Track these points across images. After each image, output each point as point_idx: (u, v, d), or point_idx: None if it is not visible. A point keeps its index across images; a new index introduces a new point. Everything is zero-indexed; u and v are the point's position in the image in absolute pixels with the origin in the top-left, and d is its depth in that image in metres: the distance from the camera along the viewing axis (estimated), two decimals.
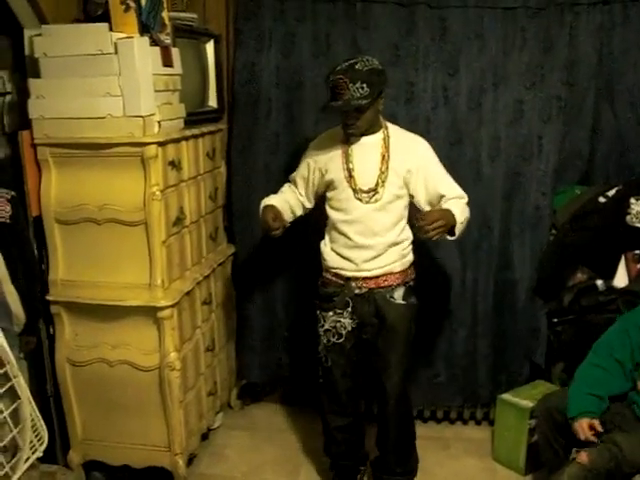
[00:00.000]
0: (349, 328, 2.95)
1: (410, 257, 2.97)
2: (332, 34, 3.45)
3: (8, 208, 2.53)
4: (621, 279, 3.21)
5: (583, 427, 2.57)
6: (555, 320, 3.40)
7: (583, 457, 2.47)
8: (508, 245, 3.55)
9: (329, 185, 2.91)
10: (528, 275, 3.56)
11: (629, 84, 3.41)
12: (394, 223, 2.86)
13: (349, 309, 2.93)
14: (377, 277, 2.87)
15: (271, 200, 2.97)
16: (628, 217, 3.15)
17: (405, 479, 3.19)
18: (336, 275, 2.94)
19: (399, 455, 3.12)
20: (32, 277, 2.78)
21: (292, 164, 3.54)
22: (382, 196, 2.80)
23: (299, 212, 3.07)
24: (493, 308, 3.62)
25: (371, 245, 2.84)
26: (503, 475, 3.39)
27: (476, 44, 3.37)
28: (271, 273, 3.76)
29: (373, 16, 3.39)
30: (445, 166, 3.38)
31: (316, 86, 3.46)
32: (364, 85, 2.60)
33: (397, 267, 2.90)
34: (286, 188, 3.10)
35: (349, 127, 2.74)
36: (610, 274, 3.23)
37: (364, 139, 2.81)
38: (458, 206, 2.79)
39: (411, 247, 2.97)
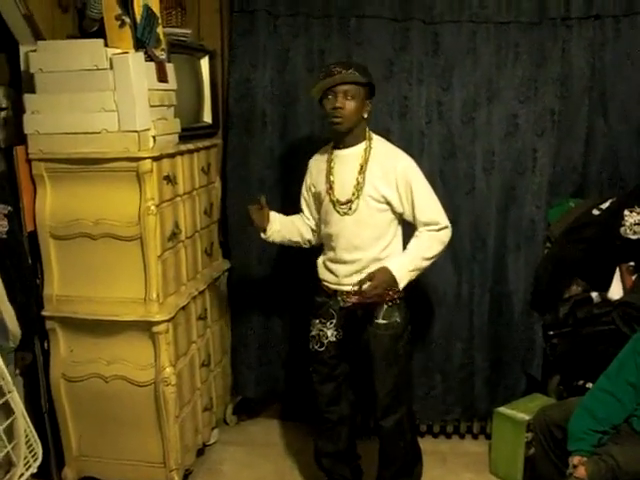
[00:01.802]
0: (332, 339, 2.96)
1: None
2: (326, 50, 3.47)
3: (5, 223, 2.53)
4: (616, 291, 3.21)
5: (575, 463, 2.55)
6: (551, 333, 3.40)
7: (581, 471, 2.46)
8: (503, 258, 3.56)
9: (318, 198, 2.94)
10: (523, 288, 3.56)
11: (622, 97, 3.43)
12: (376, 238, 2.82)
13: (334, 321, 2.94)
14: (360, 293, 2.81)
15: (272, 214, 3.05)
16: (622, 229, 3.15)
17: None
18: (324, 286, 2.95)
19: (392, 470, 3.05)
20: (28, 293, 2.78)
21: (287, 179, 3.57)
22: (358, 207, 2.77)
23: (307, 235, 3.11)
24: (489, 321, 3.62)
25: (353, 260, 2.83)
26: None
27: (469, 59, 3.39)
28: (266, 288, 3.75)
29: (367, 31, 3.41)
30: (439, 180, 3.41)
31: (310, 101, 3.46)
32: (356, 73, 2.68)
33: None
34: (294, 215, 3.15)
35: (335, 114, 2.70)
36: (605, 286, 3.23)
37: (346, 151, 2.82)
38: (415, 248, 2.79)
39: None
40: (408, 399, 3.04)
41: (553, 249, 3.47)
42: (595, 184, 3.55)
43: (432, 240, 2.79)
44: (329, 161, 2.88)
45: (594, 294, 3.27)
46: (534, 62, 3.37)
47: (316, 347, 3.00)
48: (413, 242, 2.81)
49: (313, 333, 3.01)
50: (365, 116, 2.77)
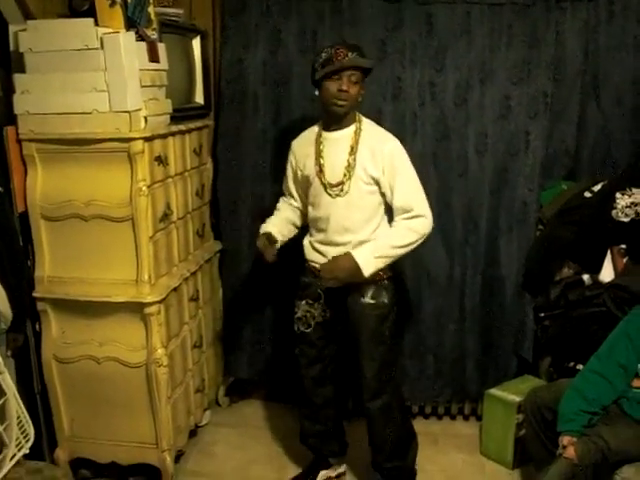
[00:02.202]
0: (319, 319, 2.98)
1: None
2: (319, 30, 3.45)
3: None
4: (607, 273, 3.22)
5: (564, 444, 2.57)
6: (542, 315, 3.41)
7: (570, 452, 2.48)
8: (495, 240, 3.56)
9: (306, 181, 2.92)
10: (515, 270, 3.57)
11: (615, 80, 3.43)
12: (366, 220, 2.83)
13: (321, 301, 2.96)
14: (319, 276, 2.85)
15: (268, 226, 3.02)
16: (614, 212, 3.16)
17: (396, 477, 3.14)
18: (312, 267, 2.96)
19: (384, 453, 3.06)
20: (19, 274, 2.76)
21: (279, 160, 3.54)
22: (349, 189, 2.77)
23: (299, 222, 3.12)
24: (480, 303, 3.63)
25: (344, 242, 2.82)
26: (491, 470, 3.40)
27: (463, 40, 3.38)
28: (258, 270, 3.75)
29: (360, 12, 3.39)
30: (432, 162, 3.41)
31: (303, 82, 3.46)
32: (363, 57, 2.68)
33: None
34: (280, 204, 3.14)
35: (341, 97, 2.68)
36: (596, 269, 3.24)
37: (336, 133, 2.81)
38: (384, 236, 2.79)
39: None
40: (396, 380, 3.06)
41: (545, 231, 3.48)
42: (587, 167, 3.56)
43: (404, 228, 2.76)
44: (318, 143, 2.87)
45: (585, 276, 3.28)
46: (527, 44, 3.36)
47: (302, 328, 3.02)
48: (385, 230, 2.82)
49: (299, 315, 3.03)
50: (360, 100, 2.77)
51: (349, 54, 2.63)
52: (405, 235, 2.75)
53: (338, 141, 2.80)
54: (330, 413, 3.18)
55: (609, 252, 3.23)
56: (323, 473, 3.28)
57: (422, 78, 3.43)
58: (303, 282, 3.02)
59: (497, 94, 3.42)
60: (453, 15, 3.36)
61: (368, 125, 2.84)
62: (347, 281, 2.76)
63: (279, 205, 3.15)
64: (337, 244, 2.84)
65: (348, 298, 2.88)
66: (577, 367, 3.15)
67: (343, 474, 3.32)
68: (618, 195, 3.17)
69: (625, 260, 3.20)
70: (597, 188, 3.32)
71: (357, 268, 2.70)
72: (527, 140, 3.45)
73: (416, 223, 2.75)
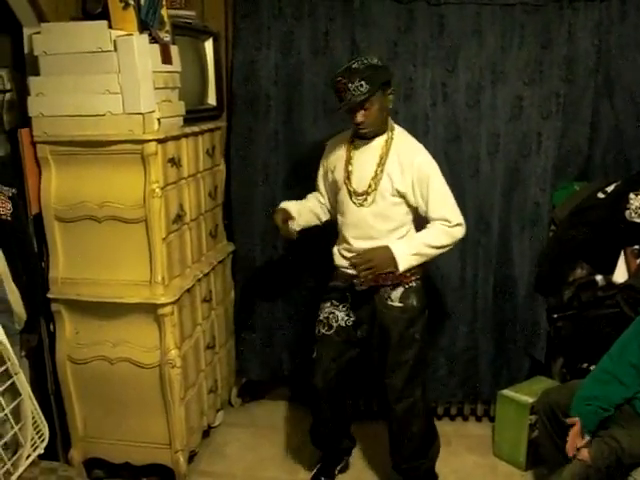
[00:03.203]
0: (342, 323, 2.97)
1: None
2: (330, 31, 3.45)
3: (9, 206, 2.53)
4: (621, 274, 3.20)
5: (569, 422, 2.57)
6: (555, 316, 3.41)
7: (584, 454, 2.47)
8: (507, 241, 3.56)
9: (335, 186, 2.93)
10: (528, 271, 3.56)
11: (628, 80, 3.41)
12: (391, 230, 2.84)
13: (347, 305, 2.96)
14: (377, 276, 2.81)
15: (286, 203, 3.02)
16: (627, 212, 3.15)
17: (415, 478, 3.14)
18: (341, 272, 2.96)
19: (404, 454, 3.05)
20: (33, 275, 2.78)
21: (291, 161, 3.56)
22: (375, 200, 2.79)
23: (323, 217, 3.12)
24: (493, 304, 3.63)
25: (371, 244, 2.81)
26: (504, 471, 3.39)
27: (474, 41, 3.37)
28: (271, 271, 3.76)
29: (371, 13, 3.39)
30: (444, 163, 3.40)
31: (315, 84, 3.48)
32: (362, 82, 2.61)
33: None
34: (309, 196, 3.14)
35: (359, 126, 2.73)
36: (610, 269, 3.23)
37: (366, 141, 2.81)
38: (422, 235, 2.82)
39: None
40: (422, 384, 3.02)
41: (557, 232, 3.47)
42: (600, 167, 3.54)
43: (441, 232, 2.79)
44: (349, 150, 2.87)
45: (598, 277, 3.27)
46: (539, 44, 3.35)
47: (323, 330, 3.00)
48: (423, 230, 2.84)
49: (322, 317, 3.01)
50: (390, 107, 2.78)
51: (350, 85, 2.62)
52: (441, 237, 2.79)
53: (368, 150, 2.81)
54: (342, 416, 3.17)
55: (622, 253, 3.22)
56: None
57: (434, 79, 3.43)
58: (330, 285, 3.02)
59: (509, 94, 3.41)
60: (464, 16, 3.36)
61: (400, 135, 2.84)
62: (380, 271, 2.74)
63: (307, 196, 3.15)
64: (359, 250, 2.83)
65: (376, 301, 2.88)
66: (590, 368, 3.13)
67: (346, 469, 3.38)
68: (632, 196, 3.16)
69: (639, 261, 3.18)
70: (610, 189, 3.30)
71: (393, 259, 2.72)
72: (539, 141, 3.44)
73: (454, 230, 2.80)
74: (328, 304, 3.00)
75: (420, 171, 2.76)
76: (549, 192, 3.49)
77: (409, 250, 2.76)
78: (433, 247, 2.79)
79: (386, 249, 2.74)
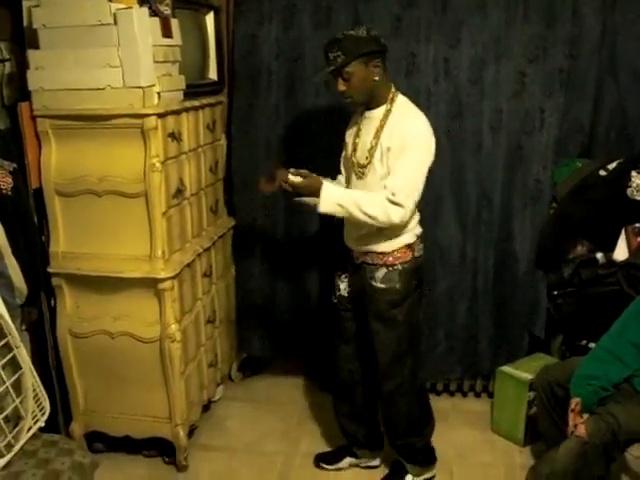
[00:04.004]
0: (344, 293, 2.98)
1: (402, 239, 2.77)
2: (333, 6, 3.42)
3: (9, 180, 2.52)
4: (621, 252, 3.20)
5: (572, 407, 2.57)
6: (555, 293, 3.40)
7: (581, 430, 2.48)
8: (509, 218, 3.54)
9: (346, 160, 2.93)
10: (528, 248, 3.55)
11: (632, 57, 3.38)
12: None
13: (347, 275, 2.96)
14: (366, 253, 2.81)
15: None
16: (629, 190, 3.14)
17: (410, 464, 3.10)
18: (344, 243, 2.94)
19: (398, 433, 3.04)
20: (33, 249, 2.78)
21: (292, 137, 3.55)
22: (369, 171, 2.73)
23: None
24: (493, 280, 3.63)
25: (360, 224, 2.72)
26: (502, 447, 3.41)
27: (478, 16, 3.33)
28: (271, 246, 3.76)
29: None
30: (446, 139, 3.38)
31: (316, 58, 3.42)
32: (339, 52, 2.59)
33: (380, 247, 2.77)
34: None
35: (342, 96, 2.71)
36: (610, 247, 3.23)
37: (371, 113, 2.76)
38: (358, 193, 2.68)
39: (406, 231, 2.78)
40: (412, 364, 2.95)
41: (559, 209, 3.46)
42: (603, 145, 3.52)
43: (379, 202, 2.59)
44: (359, 122, 2.84)
45: (599, 255, 3.26)
46: (544, 20, 3.31)
47: (333, 299, 3.03)
48: (364, 191, 2.70)
49: (334, 285, 3.04)
50: (376, 79, 2.67)
51: (329, 55, 2.61)
52: (376, 207, 2.59)
53: (370, 121, 2.76)
54: (357, 392, 3.12)
55: (623, 231, 3.21)
56: (347, 460, 3.26)
57: (437, 54, 3.39)
58: (337, 256, 3.02)
59: (512, 71, 3.38)
60: None
61: (400, 105, 2.74)
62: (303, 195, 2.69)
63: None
64: (355, 224, 2.76)
65: (364, 277, 2.84)
66: (589, 345, 3.15)
67: (374, 467, 3.27)
68: (634, 173, 3.15)
69: (639, 239, 3.18)
70: (612, 166, 3.29)
71: (317, 192, 2.62)
72: (542, 117, 3.41)
73: (392, 208, 2.58)
74: (336, 274, 3.01)
75: (404, 136, 2.63)
76: (551, 169, 3.47)
77: (337, 198, 2.62)
78: (361, 211, 2.59)
79: (319, 182, 2.64)
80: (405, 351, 2.89)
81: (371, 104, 2.75)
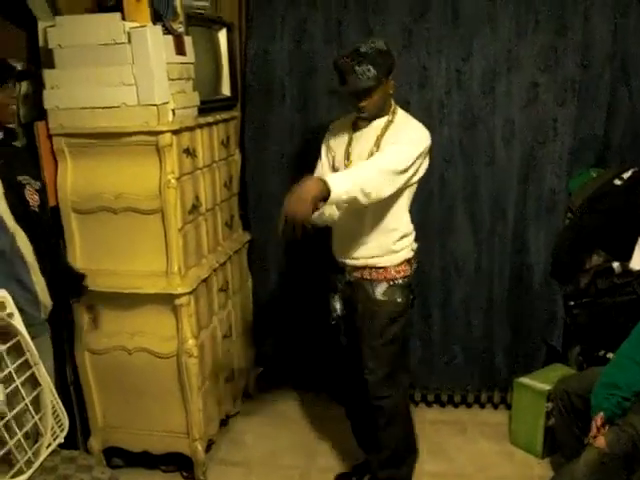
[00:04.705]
0: (340, 313, 2.90)
1: (402, 254, 2.75)
2: (344, 20, 3.45)
3: (37, 198, 2.54)
4: (637, 261, 3.18)
5: (597, 424, 2.55)
6: (571, 303, 3.39)
7: (600, 441, 2.46)
8: (523, 229, 3.54)
9: (333, 168, 2.83)
10: (544, 258, 3.54)
11: None
12: (384, 215, 2.69)
13: (340, 294, 2.88)
14: (362, 268, 2.75)
15: None
16: None
17: None
18: (335, 259, 2.87)
19: (378, 458, 2.95)
20: (56, 266, 2.79)
21: (306, 151, 3.56)
22: None
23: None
24: (509, 291, 3.62)
25: (357, 228, 2.70)
26: (520, 458, 3.39)
27: (489, 27, 3.35)
28: (286, 260, 3.77)
29: (385, 1, 3.37)
30: (459, 151, 3.39)
31: (329, 72, 3.43)
32: (370, 67, 2.51)
33: (381, 262, 2.72)
34: None
35: (360, 111, 2.64)
36: (626, 257, 3.21)
37: (367, 123, 2.70)
38: (355, 168, 2.53)
39: (406, 243, 2.76)
40: (403, 386, 2.93)
41: (574, 219, 3.45)
42: (617, 153, 3.51)
43: (366, 166, 2.49)
44: (350, 133, 2.77)
45: (615, 264, 3.25)
46: (554, 30, 3.32)
47: (331, 320, 2.95)
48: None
49: (330, 308, 2.94)
50: (391, 92, 2.66)
51: (356, 68, 2.51)
52: (374, 171, 2.45)
53: (368, 131, 2.70)
54: (357, 413, 3.10)
55: (639, 240, 3.20)
56: (367, 478, 3.18)
57: (448, 66, 3.41)
58: (329, 275, 2.93)
59: (524, 81, 3.39)
60: (479, 2, 3.33)
61: (401, 118, 2.71)
62: (303, 204, 2.25)
63: None
64: (348, 231, 2.73)
65: (360, 294, 2.78)
66: (607, 355, 3.13)
67: None
68: None
69: None
70: (627, 175, 3.29)
71: (323, 184, 2.30)
72: (555, 127, 3.41)
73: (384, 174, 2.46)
74: (330, 295, 2.92)
75: (399, 132, 2.62)
76: (565, 179, 3.47)
77: (342, 176, 2.43)
78: (370, 169, 2.45)
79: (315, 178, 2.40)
80: (396, 369, 2.83)
81: (373, 116, 2.69)
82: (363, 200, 2.40)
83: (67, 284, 2.78)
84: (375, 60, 2.53)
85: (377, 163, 2.49)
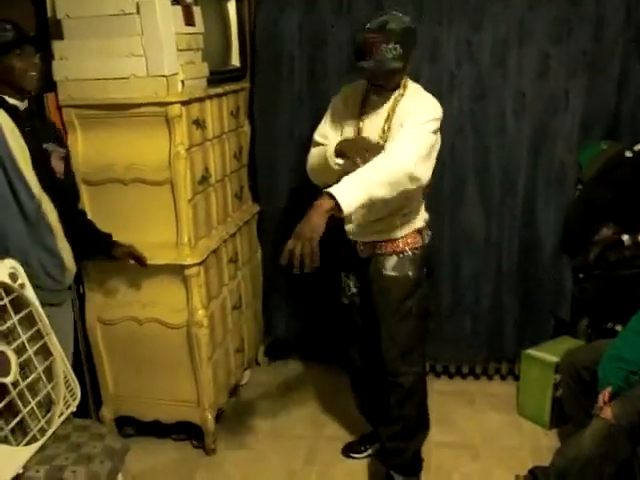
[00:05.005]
0: (354, 290, 2.87)
1: (411, 225, 2.70)
2: None
3: (62, 165, 2.56)
4: None
5: (604, 399, 2.55)
6: (581, 275, 3.39)
7: (607, 412, 2.47)
8: (533, 201, 3.53)
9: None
10: (553, 231, 3.53)
11: None
12: (395, 199, 2.53)
13: (353, 272, 2.85)
14: (373, 243, 2.71)
15: None
16: None
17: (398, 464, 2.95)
18: (347, 237, 2.80)
19: (391, 433, 2.91)
20: (81, 222, 2.80)
21: (315, 122, 3.52)
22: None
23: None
24: (518, 264, 3.62)
25: (366, 214, 2.62)
26: (528, 429, 3.41)
27: None
28: None
29: None
30: (469, 122, 3.36)
31: (339, 43, 3.45)
32: (397, 46, 2.40)
33: (390, 234, 2.68)
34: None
35: (379, 87, 2.57)
36: (636, 229, 3.20)
37: (380, 97, 2.63)
38: (364, 169, 2.32)
39: (417, 215, 2.72)
40: (421, 361, 2.89)
41: (584, 191, 3.44)
42: (628, 126, 3.48)
43: (384, 159, 2.36)
44: (362, 104, 2.68)
45: (625, 237, 3.24)
46: (567, 1, 3.28)
47: (343, 300, 2.93)
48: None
49: (343, 285, 2.91)
50: (408, 67, 2.58)
51: (383, 46, 2.39)
52: (384, 161, 2.34)
53: (379, 105, 2.63)
54: (366, 387, 3.11)
55: None
56: (376, 445, 3.17)
57: (459, 37, 3.38)
58: (340, 254, 2.87)
59: (536, 53, 3.35)
60: None
61: (412, 91, 2.62)
62: (311, 235, 2.22)
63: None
64: (365, 215, 2.64)
65: (371, 269, 2.74)
66: (615, 328, 3.14)
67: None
68: None
69: None
70: (638, 148, 3.26)
71: (334, 207, 2.21)
72: (566, 99, 3.38)
73: (400, 155, 2.36)
74: (344, 273, 2.89)
75: (411, 115, 2.49)
76: (575, 151, 3.45)
77: (348, 182, 2.26)
78: (380, 181, 2.29)
79: (322, 197, 2.24)
80: (414, 345, 2.79)
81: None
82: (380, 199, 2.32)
83: (94, 245, 2.83)
84: (403, 39, 2.43)
85: (388, 169, 2.33)
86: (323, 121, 2.81)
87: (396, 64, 2.45)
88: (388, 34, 2.41)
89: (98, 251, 2.87)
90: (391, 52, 2.41)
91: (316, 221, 2.20)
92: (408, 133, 2.44)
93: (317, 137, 2.79)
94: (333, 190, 2.21)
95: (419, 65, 3.37)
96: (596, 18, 3.29)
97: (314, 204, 2.23)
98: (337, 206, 2.20)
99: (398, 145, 2.40)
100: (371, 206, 2.39)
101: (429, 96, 2.63)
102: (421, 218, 2.75)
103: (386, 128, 2.59)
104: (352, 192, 2.23)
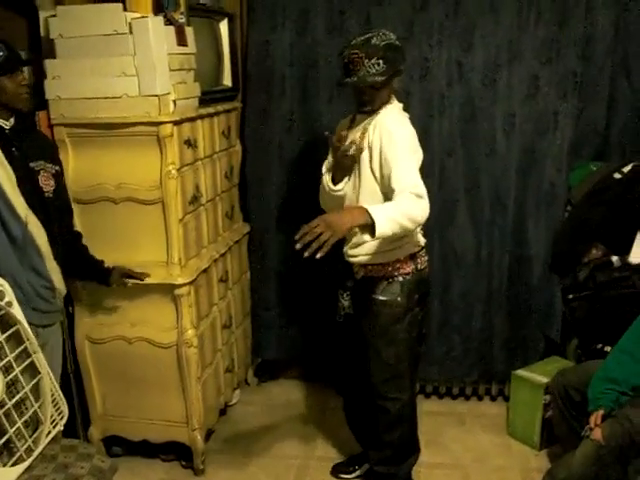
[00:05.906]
0: (348, 311, 2.84)
1: (403, 250, 2.65)
2: (346, 10, 3.44)
3: (52, 183, 2.54)
4: (636, 255, 3.19)
5: (593, 421, 2.54)
6: (570, 296, 3.39)
7: (597, 434, 2.47)
8: (523, 221, 3.54)
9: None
10: (543, 251, 3.55)
11: None
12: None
13: (348, 292, 2.83)
14: (365, 266, 2.69)
15: None
16: None
17: None
18: (343, 256, 2.79)
19: (380, 458, 2.91)
20: (73, 250, 2.78)
21: (306, 142, 3.57)
22: (356, 173, 2.60)
23: None
24: (508, 284, 3.63)
25: (358, 233, 2.58)
26: (518, 450, 3.40)
27: (490, 19, 3.34)
28: (286, 251, 3.77)
29: None
30: (460, 142, 3.38)
31: (330, 63, 3.47)
32: (380, 61, 2.44)
33: (379, 259, 2.65)
34: None
35: (363, 105, 2.58)
36: (625, 250, 3.22)
37: (362, 116, 2.64)
38: (395, 203, 2.33)
39: (410, 240, 2.66)
40: (409, 388, 2.84)
41: (573, 212, 3.46)
42: (617, 147, 3.52)
43: (412, 201, 2.32)
44: (349, 124, 2.75)
45: (614, 258, 3.25)
46: (556, 22, 3.31)
47: (337, 318, 2.90)
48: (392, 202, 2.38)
49: (338, 304, 2.88)
50: (395, 87, 2.60)
51: (365, 61, 2.44)
52: (413, 208, 2.31)
53: (360, 122, 2.65)
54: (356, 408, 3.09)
55: (639, 234, 3.20)
56: (365, 466, 3.18)
57: (449, 58, 3.41)
58: (338, 271, 2.87)
59: (525, 73, 3.38)
60: None
61: (390, 109, 2.61)
62: (337, 231, 2.19)
63: None
64: (357, 234, 2.61)
65: (364, 292, 2.72)
66: (605, 349, 3.14)
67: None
68: None
69: None
70: (627, 169, 3.29)
71: (365, 214, 2.23)
72: (556, 120, 3.41)
73: (423, 203, 2.34)
74: (339, 291, 2.87)
75: (382, 141, 2.49)
76: (565, 172, 3.47)
77: (385, 212, 2.27)
78: (408, 217, 2.29)
79: (359, 208, 2.30)
80: (403, 371, 2.76)
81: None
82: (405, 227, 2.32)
83: (86, 271, 2.85)
84: (386, 54, 2.47)
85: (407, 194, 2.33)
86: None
87: (377, 79, 2.47)
88: (370, 50, 2.46)
89: (91, 277, 2.87)
90: (374, 67, 2.46)
91: (348, 221, 2.23)
92: (397, 168, 2.42)
93: (323, 169, 2.84)
94: (375, 213, 2.22)
95: (410, 86, 3.40)
96: (585, 39, 3.33)
97: (353, 208, 2.33)
98: (370, 227, 2.23)
99: (403, 184, 2.37)
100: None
101: (401, 116, 2.63)
102: (415, 243, 2.71)
103: (361, 145, 2.58)
104: (389, 223, 2.24)
